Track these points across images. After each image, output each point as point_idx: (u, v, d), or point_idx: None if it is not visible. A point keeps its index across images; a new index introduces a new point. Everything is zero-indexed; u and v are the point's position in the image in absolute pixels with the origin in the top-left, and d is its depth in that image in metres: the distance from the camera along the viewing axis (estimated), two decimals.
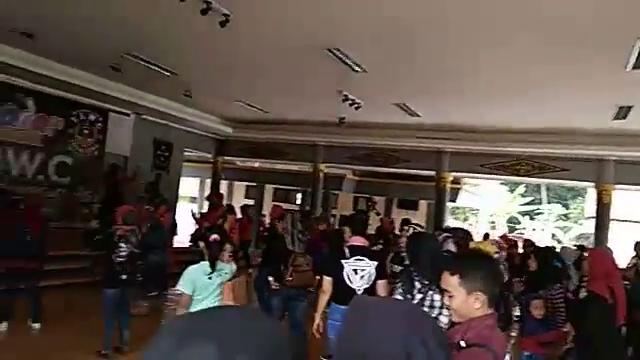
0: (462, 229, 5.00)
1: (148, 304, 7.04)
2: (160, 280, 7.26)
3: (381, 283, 3.98)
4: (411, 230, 4.74)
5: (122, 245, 5.11)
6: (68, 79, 9.12)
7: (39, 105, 9.69)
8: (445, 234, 5.33)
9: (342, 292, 3.88)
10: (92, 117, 10.75)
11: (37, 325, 5.79)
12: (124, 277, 5.08)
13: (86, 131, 10.67)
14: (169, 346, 0.61)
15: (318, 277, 4.43)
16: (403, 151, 12.61)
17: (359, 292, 3.91)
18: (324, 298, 4.06)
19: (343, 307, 3.83)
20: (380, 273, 3.99)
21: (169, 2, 5.22)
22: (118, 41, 7.21)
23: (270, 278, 4.91)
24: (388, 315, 0.89)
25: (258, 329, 0.65)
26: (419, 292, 3.15)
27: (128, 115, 11.38)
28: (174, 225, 8.88)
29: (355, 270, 3.96)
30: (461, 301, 1.75)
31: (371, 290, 3.91)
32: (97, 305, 6.48)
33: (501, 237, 10.27)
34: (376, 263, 3.99)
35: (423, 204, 18.53)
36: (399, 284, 3.25)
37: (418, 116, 10.12)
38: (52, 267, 6.46)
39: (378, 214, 18.29)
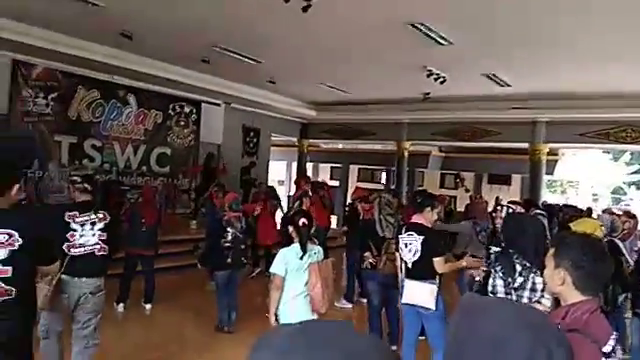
0: (570, 206, 4.70)
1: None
2: None
3: (436, 261, 4.08)
4: (504, 210, 4.56)
5: (228, 230, 5.49)
6: (164, 74, 9.70)
7: (139, 101, 10.47)
8: (536, 211, 5.06)
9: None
10: (187, 109, 11.43)
11: (149, 306, 6.34)
12: (229, 260, 5.47)
13: (182, 122, 11.38)
14: None
15: None
16: (493, 124, 12.06)
17: (409, 265, 4.20)
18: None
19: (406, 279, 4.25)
20: (428, 249, 4.08)
21: None
22: (206, 35, 7.54)
23: (367, 254, 4.95)
24: (510, 322, 0.84)
25: (358, 346, 0.64)
26: (520, 275, 3.05)
27: (219, 105, 11.95)
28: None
29: (405, 244, 4.21)
30: (548, 273, 1.81)
31: (423, 264, 4.10)
32: (201, 285, 7.00)
33: (604, 211, 9.45)
34: (422, 238, 4.11)
35: (516, 178, 17.61)
36: (499, 267, 3.16)
37: (509, 86, 9.59)
38: (160, 251, 6.97)
39: (467, 191, 17.76)
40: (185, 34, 7.52)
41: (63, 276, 3.35)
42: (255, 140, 13.55)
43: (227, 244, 5.48)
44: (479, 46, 7.27)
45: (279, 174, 22.45)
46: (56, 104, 9.04)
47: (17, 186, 2.25)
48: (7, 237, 2.13)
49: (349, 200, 10.92)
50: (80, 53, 8.29)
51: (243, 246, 5.71)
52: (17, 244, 2.14)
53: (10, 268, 2.13)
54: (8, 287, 2.13)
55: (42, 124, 8.84)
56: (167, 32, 7.46)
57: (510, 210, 4.35)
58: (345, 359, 0.61)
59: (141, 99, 10.50)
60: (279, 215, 8.91)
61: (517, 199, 8.72)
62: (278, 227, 8.29)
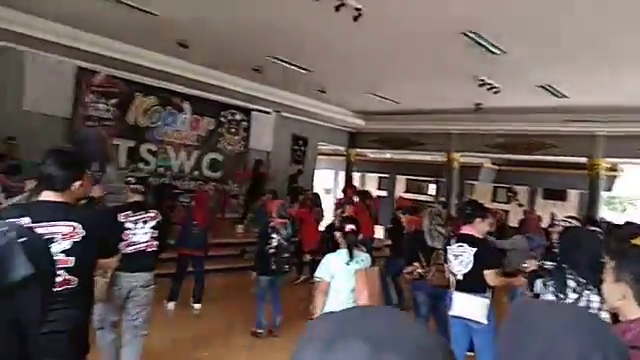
0: (632, 223, 4.45)
1: None
2: None
3: (487, 273, 3.95)
4: (561, 225, 4.39)
5: (274, 236, 5.55)
6: (217, 82, 10.02)
7: (193, 108, 10.82)
8: (592, 227, 4.84)
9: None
10: (238, 117, 11.70)
11: (198, 306, 6.49)
12: (273, 267, 5.53)
13: (233, 130, 11.65)
14: (318, 349, 0.60)
15: None
16: (548, 136, 11.61)
17: (459, 277, 4.06)
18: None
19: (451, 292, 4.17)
20: (480, 261, 3.96)
21: (305, 3, 5.47)
22: (259, 45, 7.72)
23: (415, 264, 4.88)
24: (568, 324, 0.80)
25: (409, 330, 0.63)
26: (574, 292, 2.91)
27: (269, 113, 12.17)
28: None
29: (455, 255, 4.09)
30: (608, 287, 1.75)
31: (474, 276, 3.98)
32: (247, 288, 7.10)
33: None
34: (474, 249, 3.98)
35: (573, 194, 16.88)
36: (550, 282, 3.03)
37: (566, 97, 9.24)
38: (210, 253, 7.14)
39: (520, 205, 17.19)
40: (238, 43, 7.72)
41: (116, 271, 3.51)
42: (303, 148, 13.68)
43: (271, 250, 5.54)
44: (535, 56, 7.05)
45: (326, 183, 22.52)
46: (115, 109, 9.48)
47: (79, 183, 2.37)
48: (71, 229, 2.24)
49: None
50: (139, 61, 8.69)
51: (287, 254, 5.72)
52: (80, 236, 2.25)
53: (73, 258, 2.23)
54: (70, 277, 2.23)
55: (102, 128, 9.29)
56: (221, 41, 7.69)
57: (567, 224, 4.17)
58: (403, 341, 0.60)
59: (195, 106, 10.84)
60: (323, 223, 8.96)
61: (574, 215, 8.35)
62: (320, 234, 8.32)
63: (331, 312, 0.70)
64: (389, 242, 7.63)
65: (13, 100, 7.91)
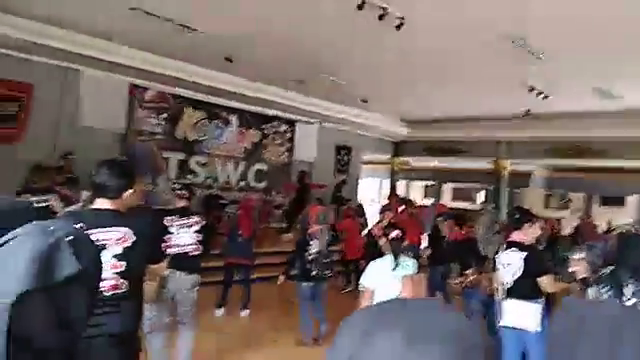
0: None
1: None
2: None
3: (543, 279, 3.81)
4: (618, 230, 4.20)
5: (312, 242, 5.55)
6: (262, 95, 10.23)
7: (240, 120, 11.07)
8: None
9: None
10: (282, 128, 11.89)
11: (244, 313, 6.60)
12: (314, 273, 5.50)
13: (278, 141, 11.84)
14: (356, 337, 0.62)
15: None
16: (604, 142, 11.07)
17: (511, 284, 3.90)
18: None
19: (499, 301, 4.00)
20: (531, 267, 3.82)
21: (347, 14, 5.51)
22: (303, 58, 7.83)
23: (468, 271, 4.79)
24: (623, 313, 0.77)
25: (449, 323, 0.62)
26: (633, 296, 2.76)
27: (312, 124, 12.27)
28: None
29: (503, 264, 3.97)
30: None
31: (525, 283, 3.83)
32: (293, 296, 7.13)
33: None
34: (524, 255, 3.84)
35: (632, 200, 16.01)
36: (604, 289, 2.90)
37: (622, 99, 8.80)
38: (256, 262, 7.26)
39: (576, 212, 16.46)
40: (282, 57, 7.86)
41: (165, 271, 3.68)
42: (346, 158, 13.69)
43: (310, 256, 5.50)
44: (585, 61, 6.78)
45: (371, 192, 22.32)
46: (166, 124, 9.83)
47: (130, 191, 2.46)
48: (122, 234, 2.34)
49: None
50: (187, 76, 9.00)
51: (327, 259, 5.67)
52: (130, 241, 2.34)
53: (124, 263, 2.32)
54: (122, 280, 2.32)
55: (153, 142, 9.63)
56: (265, 55, 7.85)
57: (625, 229, 3.98)
58: (440, 331, 0.60)
59: (241, 118, 11.09)
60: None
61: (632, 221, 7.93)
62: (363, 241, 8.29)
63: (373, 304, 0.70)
64: (429, 252, 7.48)
65: (70, 117, 8.33)
